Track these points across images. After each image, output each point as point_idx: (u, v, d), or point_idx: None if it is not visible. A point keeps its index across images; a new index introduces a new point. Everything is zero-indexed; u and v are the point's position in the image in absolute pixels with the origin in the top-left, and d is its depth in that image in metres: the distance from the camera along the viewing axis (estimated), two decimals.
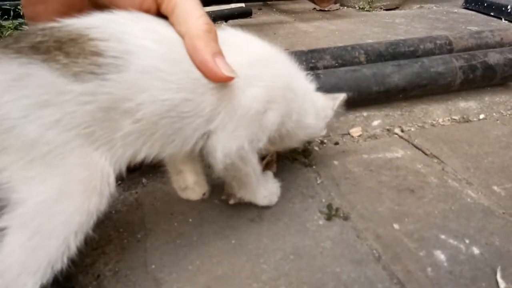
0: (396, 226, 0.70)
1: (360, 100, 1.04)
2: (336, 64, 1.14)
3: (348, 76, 1.03)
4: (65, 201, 0.46)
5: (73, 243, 0.47)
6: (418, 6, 2.50)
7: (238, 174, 0.65)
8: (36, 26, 0.50)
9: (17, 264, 0.44)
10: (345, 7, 2.38)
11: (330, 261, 0.63)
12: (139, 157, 0.54)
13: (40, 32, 0.48)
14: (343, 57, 1.17)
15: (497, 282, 0.60)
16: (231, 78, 0.53)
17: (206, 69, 0.52)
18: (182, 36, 0.53)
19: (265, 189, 0.73)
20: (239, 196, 0.71)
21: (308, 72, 0.78)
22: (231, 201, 0.74)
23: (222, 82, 0.54)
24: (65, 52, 0.46)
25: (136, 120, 0.50)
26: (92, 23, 0.50)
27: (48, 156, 0.45)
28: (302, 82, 0.74)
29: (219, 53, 0.53)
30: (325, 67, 1.13)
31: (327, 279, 0.60)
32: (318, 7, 2.22)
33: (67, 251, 0.46)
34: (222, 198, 0.76)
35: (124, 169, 0.53)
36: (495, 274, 0.61)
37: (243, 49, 0.63)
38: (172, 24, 0.55)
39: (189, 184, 0.75)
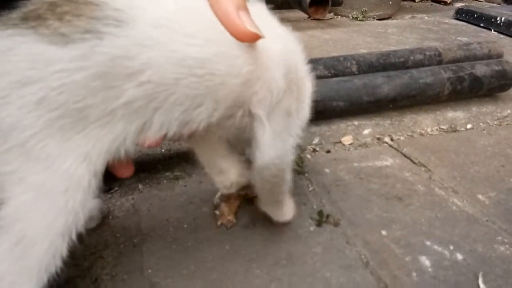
0: (384, 232, 0.73)
1: (351, 109, 1.07)
2: (329, 74, 1.17)
3: (340, 86, 1.06)
4: (45, 202, 0.41)
5: (63, 245, 0.43)
6: (410, 16, 2.55)
7: (274, 183, 0.61)
8: None
9: (8, 272, 0.41)
10: (339, 17, 2.43)
11: (320, 266, 0.65)
12: (152, 133, 0.46)
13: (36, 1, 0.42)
14: (335, 67, 1.20)
15: (478, 287, 0.62)
16: (256, 36, 0.46)
17: (228, 21, 0.45)
18: None
19: (288, 205, 0.71)
20: (264, 209, 0.69)
21: None
22: (219, 222, 0.74)
23: (246, 39, 0.46)
24: (58, 14, 0.40)
25: (142, 83, 0.42)
26: None
27: (27, 145, 0.40)
28: None
29: (244, 7, 0.46)
30: (318, 77, 1.16)
31: (318, 284, 0.62)
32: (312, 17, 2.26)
33: (58, 254, 0.43)
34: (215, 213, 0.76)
35: (131, 149, 0.45)
36: (477, 279, 0.64)
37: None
38: None
39: (234, 179, 0.72)
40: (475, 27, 2.23)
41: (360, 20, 2.35)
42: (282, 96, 0.53)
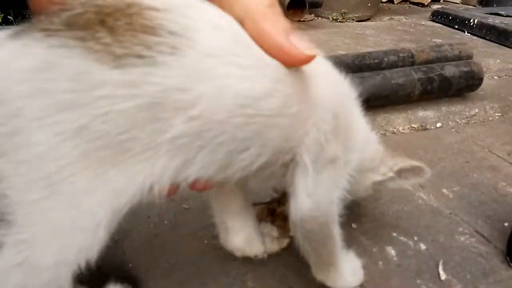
0: (354, 225, 0.78)
1: None
2: None
3: None
4: (60, 238, 0.38)
5: (69, 274, 0.39)
6: (388, 18, 2.62)
7: (318, 241, 0.54)
8: None
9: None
10: (319, 18, 2.48)
11: (294, 260, 0.70)
12: (189, 173, 0.41)
13: (79, 2, 0.38)
14: None
15: (438, 274, 0.67)
16: (312, 56, 0.41)
17: (283, 54, 0.41)
18: (240, 20, 0.42)
19: (349, 267, 0.61)
20: (320, 278, 0.59)
21: None
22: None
23: (303, 64, 0.43)
24: (108, 27, 0.36)
25: (191, 118, 0.38)
26: None
27: (55, 177, 0.35)
28: None
29: (291, 29, 0.42)
30: None
31: (290, 273, 0.66)
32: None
33: (63, 281, 0.39)
34: None
35: (164, 188, 0.41)
36: (437, 267, 0.69)
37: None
38: (221, 9, 0.43)
39: (238, 246, 0.64)
40: (450, 28, 2.31)
41: (339, 21, 2.40)
42: (330, 140, 0.49)
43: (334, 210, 0.53)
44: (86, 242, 0.38)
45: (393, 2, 3.17)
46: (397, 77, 1.17)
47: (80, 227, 0.38)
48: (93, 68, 0.34)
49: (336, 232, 0.55)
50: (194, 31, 0.37)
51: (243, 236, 0.62)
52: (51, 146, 0.34)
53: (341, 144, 0.51)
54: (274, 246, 0.67)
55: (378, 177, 0.65)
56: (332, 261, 0.57)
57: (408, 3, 3.21)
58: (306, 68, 0.44)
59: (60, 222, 0.37)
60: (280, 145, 0.45)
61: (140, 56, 0.35)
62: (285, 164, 0.49)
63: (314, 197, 0.50)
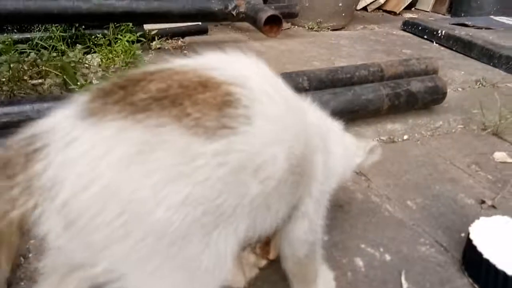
0: (325, 238, 0.83)
1: None
2: None
3: None
4: None
5: None
6: (362, 27, 2.71)
7: (304, 268, 0.63)
8: (144, 69, 0.44)
9: None
10: (296, 27, 2.54)
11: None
12: (261, 228, 0.48)
13: (158, 77, 0.41)
14: (288, 83, 1.30)
15: (401, 283, 0.74)
16: None
17: None
18: None
19: (324, 280, 0.69)
20: None
21: None
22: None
23: None
24: (194, 100, 0.39)
25: (263, 179, 0.43)
26: (211, 63, 0.45)
27: (173, 249, 0.39)
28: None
29: None
30: None
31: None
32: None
33: None
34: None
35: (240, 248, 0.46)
36: (400, 276, 0.75)
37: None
38: None
39: None
40: (420, 38, 2.42)
41: (315, 30, 2.48)
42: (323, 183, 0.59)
43: (320, 236, 0.62)
44: None
45: (367, 10, 3.27)
46: (367, 93, 1.24)
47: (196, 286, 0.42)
48: (191, 142, 0.38)
49: (319, 253, 0.64)
50: (258, 102, 0.44)
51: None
52: (166, 220, 0.37)
53: (325, 180, 0.60)
54: (253, 272, 0.72)
55: (359, 159, 0.75)
56: (314, 278, 0.65)
57: (381, 11, 3.33)
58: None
59: (177, 282, 0.42)
60: (299, 195, 0.53)
61: (226, 127, 0.40)
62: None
63: (307, 240, 0.59)
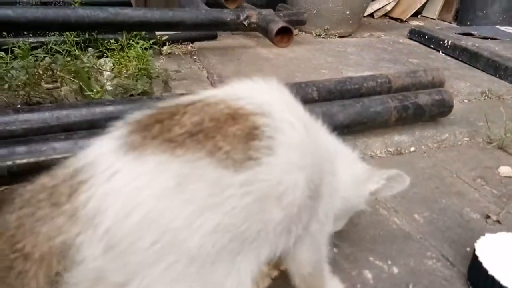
0: (335, 250, 0.86)
1: None
2: None
3: None
4: None
5: None
6: (368, 34, 2.73)
7: (311, 284, 0.65)
8: (176, 101, 0.47)
9: None
10: (303, 33, 2.57)
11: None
12: (281, 250, 0.51)
13: (190, 109, 0.45)
14: (298, 93, 1.33)
15: None
16: None
17: None
18: None
19: None
20: None
21: None
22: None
23: None
24: (224, 135, 0.43)
25: (285, 206, 0.46)
26: (237, 93, 0.49)
27: (199, 271, 0.42)
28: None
29: None
30: None
31: None
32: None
33: None
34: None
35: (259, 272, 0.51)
36: None
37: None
38: None
39: None
40: (426, 47, 2.44)
41: (322, 37, 2.50)
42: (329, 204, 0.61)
43: (325, 254, 0.65)
44: None
45: (373, 17, 3.30)
46: (375, 105, 1.27)
47: None
48: (221, 175, 0.42)
49: (326, 269, 0.67)
50: (280, 132, 0.47)
51: None
52: (201, 246, 0.41)
53: (330, 201, 0.62)
54: (266, 282, 0.75)
55: (373, 186, 0.73)
56: None
57: (387, 17, 3.35)
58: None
59: None
60: (309, 217, 0.55)
61: (252, 159, 0.43)
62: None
63: (311, 260, 0.62)
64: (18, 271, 0.41)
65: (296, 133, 0.49)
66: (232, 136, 0.43)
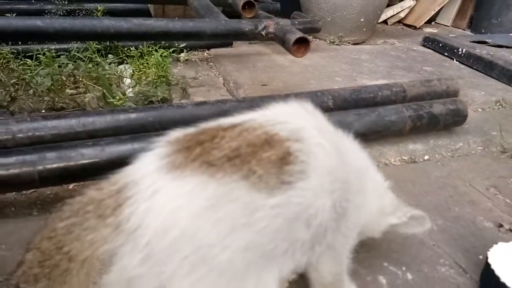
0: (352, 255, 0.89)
1: None
2: None
3: None
4: None
5: None
6: (382, 41, 2.75)
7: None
8: (217, 123, 0.51)
9: None
10: (317, 40, 2.60)
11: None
12: (304, 264, 0.55)
13: (229, 133, 0.49)
14: (314, 102, 1.36)
15: None
16: None
17: None
18: None
19: None
20: None
21: None
22: None
23: None
24: (258, 159, 0.47)
25: (314, 226, 0.50)
26: (274, 118, 0.52)
27: (229, 283, 0.46)
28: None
29: None
30: None
31: None
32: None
33: None
34: None
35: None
36: None
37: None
38: None
39: None
40: (440, 55, 2.45)
41: (336, 44, 2.53)
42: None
43: (345, 266, 0.68)
44: None
45: (387, 24, 3.31)
46: (390, 114, 1.29)
47: None
48: (254, 198, 0.45)
49: (346, 279, 0.70)
50: (312, 157, 0.50)
51: None
52: (230, 262, 0.44)
53: (357, 217, 0.65)
54: (284, 285, 0.77)
55: (394, 220, 0.76)
56: None
57: (401, 24, 3.36)
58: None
59: None
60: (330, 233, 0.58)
61: (284, 183, 0.46)
62: None
63: (334, 266, 0.64)
64: (63, 269, 0.45)
65: (327, 157, 0.52)
66: (266, 161, 0.47)
